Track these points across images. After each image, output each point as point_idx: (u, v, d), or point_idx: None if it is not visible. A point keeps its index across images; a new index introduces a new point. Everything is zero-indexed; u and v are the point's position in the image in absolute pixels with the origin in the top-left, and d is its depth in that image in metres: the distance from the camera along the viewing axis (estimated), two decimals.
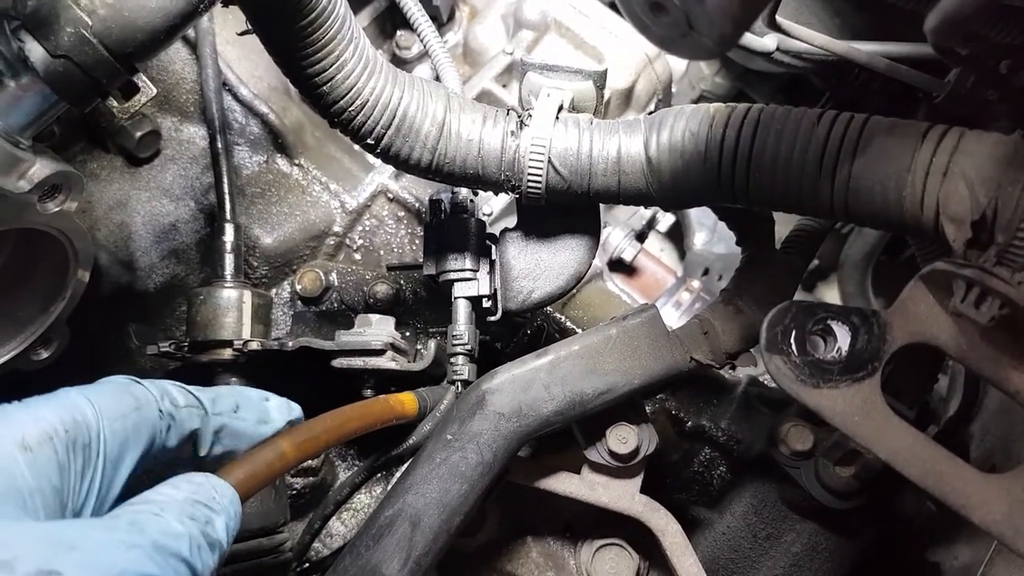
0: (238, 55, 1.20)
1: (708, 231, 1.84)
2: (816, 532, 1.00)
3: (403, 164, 0.83)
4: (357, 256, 1.23)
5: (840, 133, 0.72)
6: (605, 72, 0.86)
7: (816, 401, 0.70)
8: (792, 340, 0.71)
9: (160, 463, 0.64)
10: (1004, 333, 0.67)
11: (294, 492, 1.11)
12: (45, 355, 0.90)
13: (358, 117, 0.79)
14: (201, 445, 0.66)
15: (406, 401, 0.87)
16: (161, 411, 0.64)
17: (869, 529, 0.99)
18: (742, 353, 0.88)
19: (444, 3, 1.37)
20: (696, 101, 1.74)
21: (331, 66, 0.75)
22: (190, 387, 0.68)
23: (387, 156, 0.82)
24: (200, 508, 0.58)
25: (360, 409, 0.80)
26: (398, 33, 1.42)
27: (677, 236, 1.92)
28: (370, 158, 1.41)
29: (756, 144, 0.75)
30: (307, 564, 1.07)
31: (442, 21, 1.42)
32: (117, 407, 0.61)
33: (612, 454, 0.90)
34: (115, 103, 1.00)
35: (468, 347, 0.94)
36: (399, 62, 1.46)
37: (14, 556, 0.46)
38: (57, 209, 0.79)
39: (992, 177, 0.66)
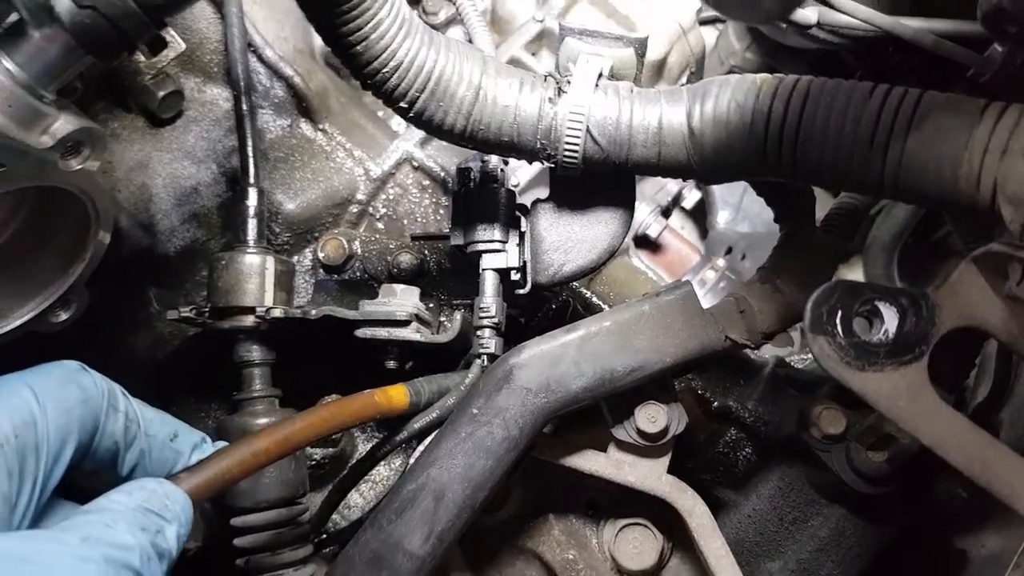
0: (264, 15, 1.17)
1: (732, 209, 1.81)
2: (844, 517, 0.98)
3: (436, 129, 0.81)
4: (380, 225, 1.20)
5: (894, 107, 0.70)
6: (646, 39, 0.83)
7: (861, 384, 0.68)
8: (838, 321, 0.68)
9: (88, 464, 0.64)
10: None
11: (313, 463, 1.09)
12: (64, 317, 0.89)
13: (392, 79, 0.76)
14: (121, 462, 0.66)
15: (394, 395, 0.84)
16: (107, 407, 0.65)
17: (897, 515, 0.97)
18: (778, 333, 0.86)
19: None
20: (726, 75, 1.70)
21: (366, 24, 0.73)
22: (133, 399, 0.68)
23: (420, 120, 0.80)
24: (152, 517, 0.59)
25: (341, 406, 0.78)
26: None
27: (698, 214, 1.89)
28: (394, 125, 1.39)
29: (805, 116, 0.72)
30: (324, 535, 1.07)
31: None
32: (63, 399, 0.61)
33: (640, 433, 0.89)
34: (142, 58, 0.97)
35: (495, 320, 0.92)
36: None
37: None
38: (79, 167, 0.76)
39: None
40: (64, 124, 0.73)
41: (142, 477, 0.66)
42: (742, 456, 1.09)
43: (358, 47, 0.74)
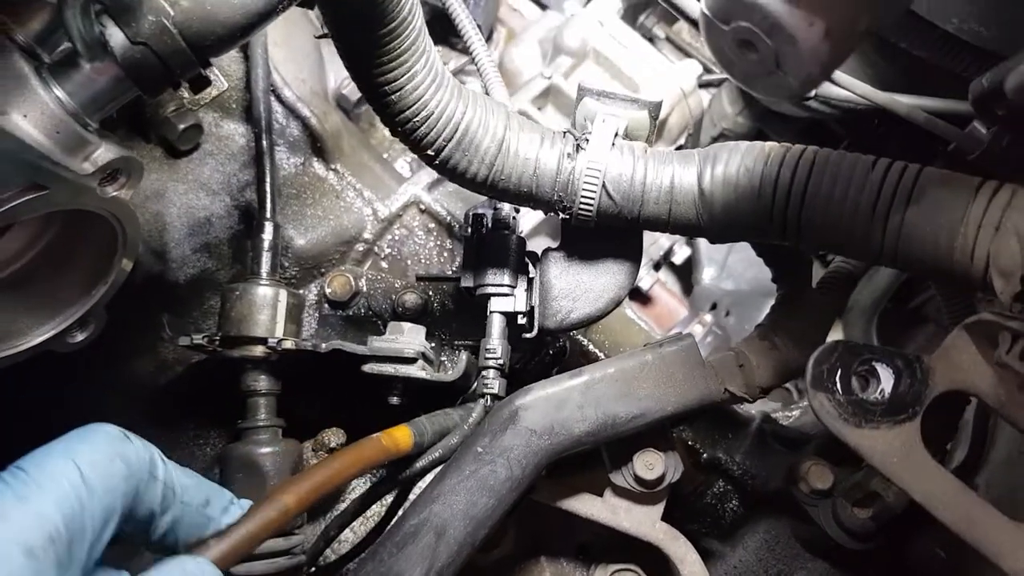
0: (284, 56, 1.21)
1: (717, 267, 1.86)
2: (827, 571, 1.01)
3: (459, 177, 0.84)
4: (384, 264, 1.23)
5: (895, 180, 0.74)
6: (660, 103, 0.88)
7: (857, 440, 0.71)
8: (837, 378, 0.72)
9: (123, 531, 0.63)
10: None
11: None
12: (81, 338, 0.90)
13: (422, 128, 0.80)
14: (155, 529, 0.66)
15: (400, 438, 0.86)
16: (147, 477, 0.64)
17: (882, 571, 1.00)
18: (774, 388, 0.90)
19: (485, 22, 1.39)
20: (716, 139, 1.77)
21: (402, 76, 0.76)
22: (169, 463, 0.67)
23: (445, 168, 0.83)
24: None
25: (353, 455, 0.80)
26: (462, 35, 1.44)
27: (683, 270, 1.94)
28: (399, 169, 1.43)
29: (811, 184, 0.77)
30: (313, 570, 1.07)
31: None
32: (109, 476, 0.61)
33: (638, 479, 0.91)
34: (185, 94, 1.00)
35: (500, 362, 0.95)
36: None
37: None
38: (115, 194, 0.79)
39: None
40: (105, 152, 0.76)
41: (172, 543, 0.67)
42: (729, 508, 1.12)
43: (392, 96, 0.77)
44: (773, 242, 0.84)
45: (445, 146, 0.81)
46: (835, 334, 1.93)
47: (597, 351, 1.21)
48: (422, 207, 1.24)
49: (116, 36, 0.70)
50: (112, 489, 0.60)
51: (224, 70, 1.16)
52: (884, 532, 0.95)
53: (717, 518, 1.12)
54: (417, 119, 0.79)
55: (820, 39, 0.54)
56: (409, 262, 1.24)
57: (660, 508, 0.94)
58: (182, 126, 1.09)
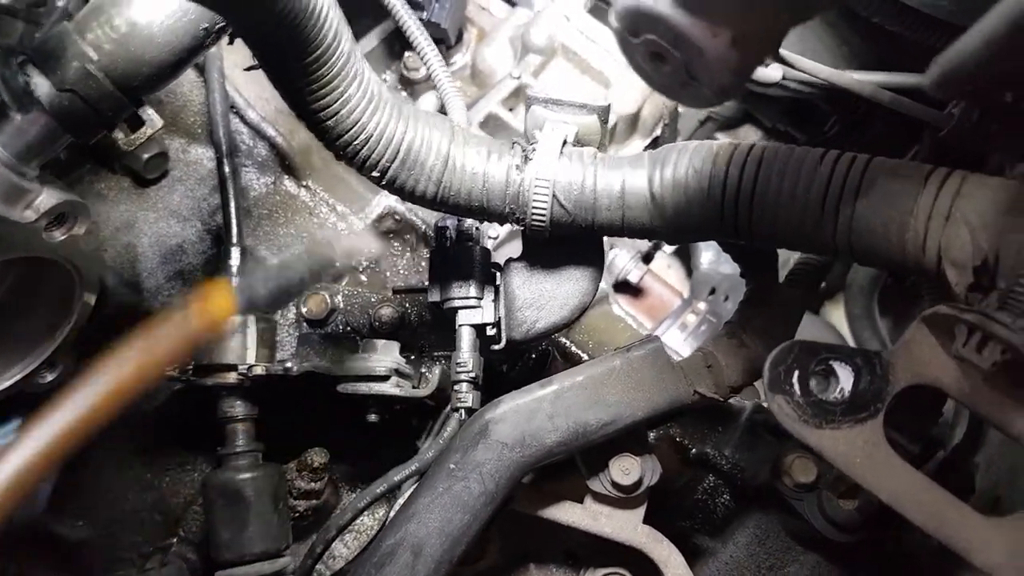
0: (246, 78, 1.21)
1: (715, 251, 1.83)
2: (819, 564, 1.00)
3: (408, 196, 0.84)
4: (363, 278, 1.23)
5: (843, 173, 0.72)
6: (609, 107, 0.86)
7: (818, 441, 0.70)
8: (795, 380, 0.70)
9: None
10: (1007, 377, 0.67)
11: (296, 515, 1.11)
12: (50, 378, 0.91)
13: (363, 151, 0.79)
14: None
15: (217, 302, 0.67)
16: None
17: (872, 562, 0.99)
18: (745, 387, 0.88)
19: (452, 25, 1.37)
20: (703, 122, 1.74)
21: (336, 101, 0.76)
22: None
23: (392, 188, 0.83)
24: None
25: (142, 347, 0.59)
26: (406, 55, 1.43)
27: (685, 253, 1.91)
28: None
29: (759, 182, 0.75)
30: None
31: (450, 43, 1.42)
32: None
33: (615, 485, 0.90)
34: (121, 135, 1.01)
35: (472, 375, 0.94)
36: (408, 83, 1.46)
37: None
38: (63, 237, 0.79)
39: (994, 222, 0.66)
40: (47, 198, 0.76)
41: None
42: (720, 503, 1.10)
43: (329, 122, 0.77)
44: (728, 241, 0.83)
45: (389, 167, 0.80)
46: (838, 312, 1.90)
47: (580, 352, 1.20)
48: (397, 217, 1.24)
49: (42, 85, 0.70)
50: None
51: (185, 95, 1.16)
52: (871, 523, 0.93)
53: (709, 514, 1.11)
54: (357, 142, 0.78)
55: (727, 48, 0.52)
56: (388, 274, 1.24)
57: (641, 511, 0.93)
58: (146, 155, 1.09)
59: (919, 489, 0.69)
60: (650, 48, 0.55)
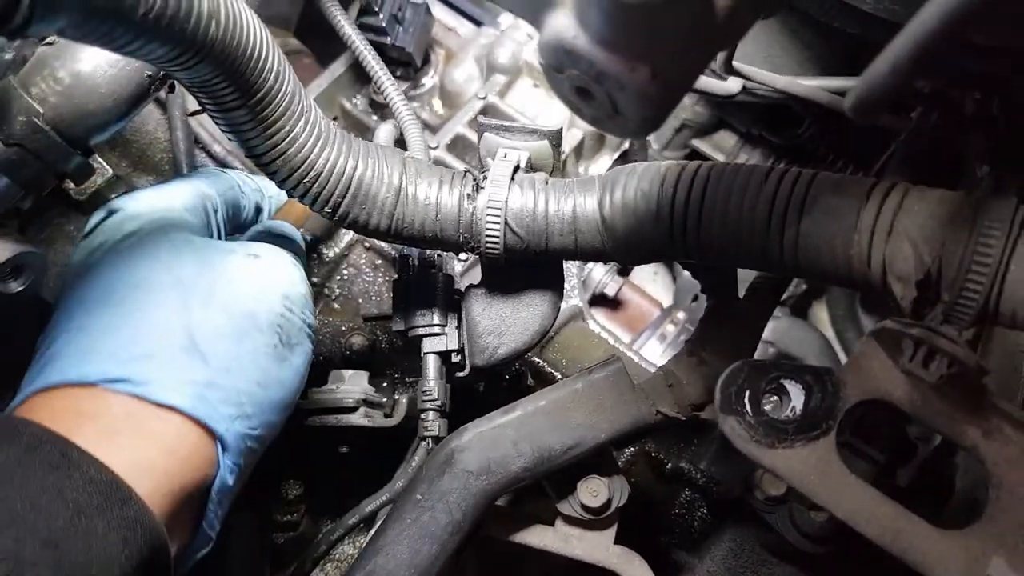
0: None
1: (681, 266, 1.84)
2: (795, 575, 1.00)
3: (362, 229, 0.84)
4: (336, 306, 1.24)
5: (787, 191, 0.73)
6: (560, 131, 0.87)
7: (771, 461, 0.70)
8: (746, 400, 0.71)
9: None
10: (955, 390, 0.67)
11: (275, 547, 1.11)
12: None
13: (313, 187, 0.80)
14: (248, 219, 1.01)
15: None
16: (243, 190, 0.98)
17: (845, 572, 0.99)
18: (707, 404, 0.88)
19: (417, 48, 1.38)
20: (679, 130, 1.74)
21: (283, 140, 0.76)
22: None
23: (345, 222, 0.83)
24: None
25: None
26: (373, 80, 1.43)
27: (670, 260, 1.91)
28: None
29: (706, 202, 0.75)
30: None
31: (416, 66, 1.43)
32: (224, 186, 0.94)
33: (584, 507, 0.91)
34: (72, 185, 1.01)
35: (438, 403, 0.94)
36: (378, 106, 1.46)
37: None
38: (20, 288, 0.80)
39: (936, 236, 0.66)
40: (1, 251, 0.77)
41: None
42: (697, 517, 1.10)
43: (278, 161, 0.77)
44: (679, 261, 0.83)
45: (341, 202, 0.81)
46: (821, 313, 1.90)
47: (553, 371, 1.20)
48: (367, 244, 1.24)
49: None
50: (227, 190, 0.94)
51: (151, 133, 1.17)
52: (842, 534, 0.93)
53: (687, 528, 1.11)
54: (307, 179, 0.79)
55: (647, 82, 0.52)
56: (360, 300, 1.24)
57: (612, 532, 0.93)
58: (113, 196, 1.10)
59: (874, 505, 0.69)
60: (575, 83, 0.55)
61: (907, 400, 0.70)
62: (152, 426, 0.68)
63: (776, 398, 0.71)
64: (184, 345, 0.70)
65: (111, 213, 0.82)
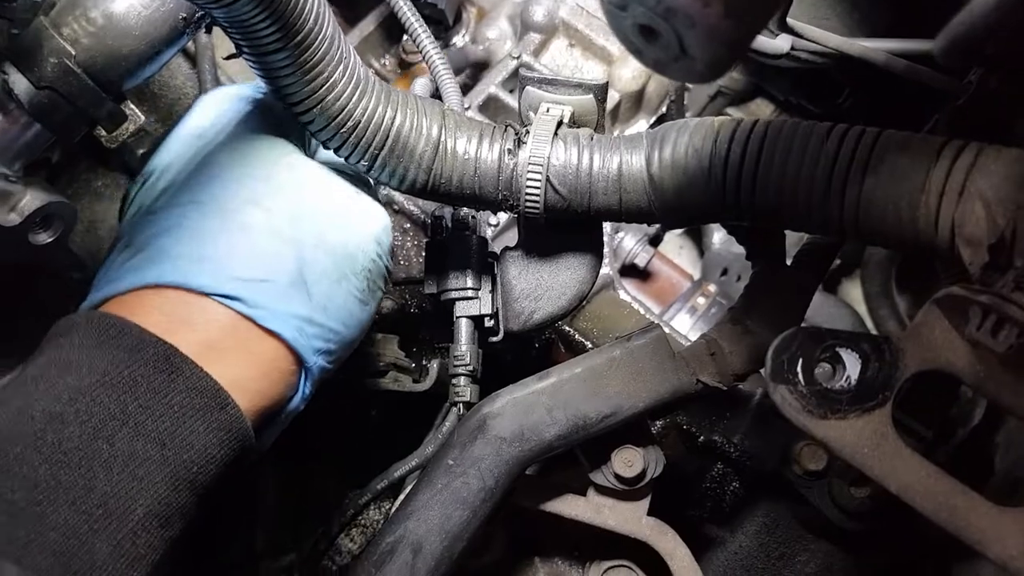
0: (240, 67, 1.19)
1: (725, 230, 1.80)
2: (831, 552, 0.97)
3: (399, 184, 0.81)
4: None
5: (850, 149, 0.69)
6: (606, 85, 0.83)
7: (824, 433, 0.67)
8: (799, 368, 0.68)
9: None
10: (1023, 361, 0.64)
11: (301, 511, 1.10)
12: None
13: (351, 138, 0.77)
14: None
15: None
16: None
17: (884, 550, 0.96)
18: (751, 374, 0.85)
19: (450, 6, 1.34)
20: (713, 97, 1.69)
21: (321, 87, 0.73)
22: None
23: (381, 175, 0.80)
24: None
25: None
26: (404, 37, 1.40)
27: (696, 233, 1.88)
28: None
29: (762, 160, 0.72)
30: None
31: (448, 24, 1.39)
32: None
33: (618, 477, 0.88)
34: (103, 132, 0.99)
35: (470, 368, 0.92)
36: (406, 66, 1.43)
37: None
38: (50, 239, 0.78)
39: (1011, 198, 0.63)
40: (32, 200, 0.74)
41: None
42: (729, 491, 1.08)
43: (315, 109, 0.74)
44: (730, 223, 0.80)
45: (378, 154, 0.78)
46: (854, 291, 1.86)
47: (584, 340, 1.18)
48: (395, 207, 1.21)
49: (20, 83, 0.68)
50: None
51: (179, 88, 1.14)
52: (884, 511, 0.91)
53: (718, 502, 1.09)
54: (344, 129, 0.76)
55: (720, 18, 0.49)
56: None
57: (645, 503, 0.91)
58: (141, 151, 1.08)
59: (930, 480, 0.66)
60: (639, 21, 0.52)
61: (970, 371, 0.67)
62: (254, 346, 0.71)
63: (829, 367, 0.68)
64: (294, 280, 0.72)
65: (146, 179, 0.79)
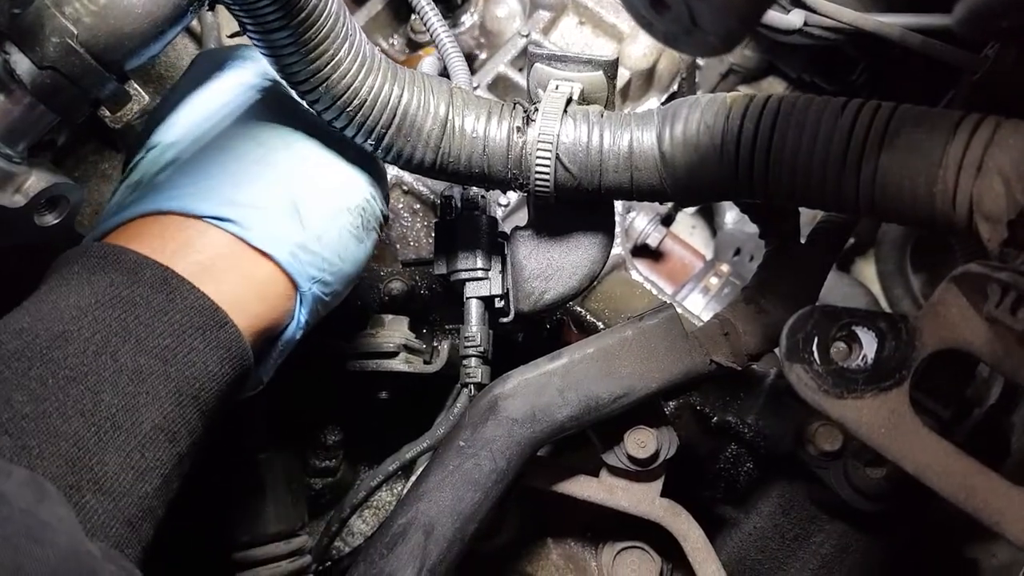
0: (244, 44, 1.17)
1: (738, 209, 1.78)
2: (846, 533, 0.96)
3: (406, 164, 0.80)
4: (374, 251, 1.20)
5: (866, 124, 0.67)
6: (616, 62, 0.82)
7: (840, 412, 0.66)
8: (814, 347, 0.66)
9: None
10: None
11: (312, 492, 1.10)
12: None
13: (357, 117, 0.76)
14: None
15: None
16: None
17: (902, 528, 0.95)
18: (765, 354, 0.84)
19: None
20: (725, 75, 1.67)
21: (326, 65, 0.72)
22: None
23: (388, 155, 0.79)
24: None
25: None
26: (412, 17, 1.39)
27: (708, 213, 1.86)
28: None
29: (776, 137, 0.71)
30: (328, 563, 1.07)
31: (456, 2, 1.37)
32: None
33: (631, 458, 0.87)
34: (107, 112, 0.98)
35: (481, 349, 0.91)
36: (414, 46, 1.42)
37: None
38: (56, 221, 0.77)
39: None
40: (37, 181, 0.73)
41: None
42: (743, 472, 1.07)
43: (320, 88, 0.73)
44: (743, 200, 0.78)
45: (385, 133, 0.77)
46: (868, 268, 1.84)
47: (596, 321, 1.17)
48: (405, 188, 1.20)
49: (22, 63, 0.67)
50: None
51: (184, 68, 1.13)
52: (902, 489, 0.90)
53: (732, 483, 1.08)
54: (350, 108, 0.75)
55: None
56: (398, 246, 1.21)
57: (658, 484, 0.91)
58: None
59: (948, 460, 0.65)
60: None
61: (989, 350, 0.65)
62: (249, 268, 0.72)
63: (845, 346, 0.67)
64: (288, 209, 0.74)
65: (149, 150, 0.80)
